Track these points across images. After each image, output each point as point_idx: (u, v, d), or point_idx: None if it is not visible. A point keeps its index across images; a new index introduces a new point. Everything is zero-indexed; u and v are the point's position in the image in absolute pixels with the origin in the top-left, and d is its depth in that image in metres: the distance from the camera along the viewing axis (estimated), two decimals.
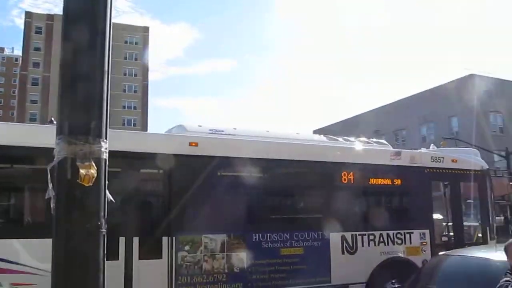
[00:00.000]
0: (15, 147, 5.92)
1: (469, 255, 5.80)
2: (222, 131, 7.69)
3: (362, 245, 7.70)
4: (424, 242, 8.21)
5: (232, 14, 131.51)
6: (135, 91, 71.74)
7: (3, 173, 6.36)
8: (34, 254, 5.84)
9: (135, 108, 71.14)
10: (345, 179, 7.81)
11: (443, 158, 8.72)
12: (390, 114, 41.66)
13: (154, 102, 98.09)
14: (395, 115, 41.28)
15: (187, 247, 6.67)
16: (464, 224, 8.81)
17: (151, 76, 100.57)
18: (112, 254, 6.28)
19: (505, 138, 34.81)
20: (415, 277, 6.17)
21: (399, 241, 7.96)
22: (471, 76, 35.86)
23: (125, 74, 70.87)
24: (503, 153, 28.08)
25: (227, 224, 6.96)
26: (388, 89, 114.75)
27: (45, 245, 5.70)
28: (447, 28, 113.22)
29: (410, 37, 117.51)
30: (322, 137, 8.62)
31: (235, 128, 7.97)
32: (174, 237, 6.59)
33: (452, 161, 8.78)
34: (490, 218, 8.84)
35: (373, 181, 8.09)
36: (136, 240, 6.44)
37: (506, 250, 4.05)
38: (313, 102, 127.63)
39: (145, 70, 73.15)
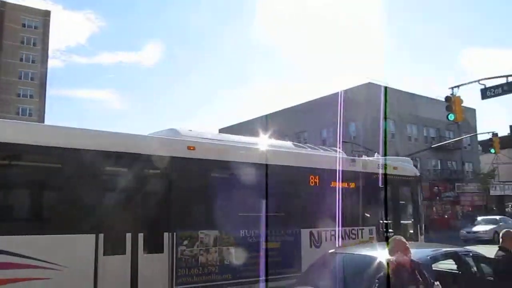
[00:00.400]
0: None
1: (355, 252, 6.41)
2: (208, 137, 8.53)
3: (325, 240, 9.04)
4: (372, 236, 9.81)
5: (139, 5, 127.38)
6: (32, 79, 66.72)
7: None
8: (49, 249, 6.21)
9: (31, 96, 66.11)
10: (312, 182, 9.09)
11: (387, 165, 10.42)
12: (294, 116, 44.35)
13: (53, 91, 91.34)
14: (298, 117, 43.97)
15: (185, 242, 7.40)
16: (401, 222, 10.63)
17: (51, 64, 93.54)
18: (120, 249, 6.84)
19: (396, 142, 38.99)
20: (305, 273, 6.71)
21: (354, 236, 9.45)
22: (369, 84, 39.01)
23: (21, 60, 65.52)
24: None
25: (219, 221, 7.80)
26: (296, 91, 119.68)
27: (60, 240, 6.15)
28: (351, 36, 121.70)
29: (317, 43, 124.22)
30: (291, 144, 9.80)
31: (219, 134, 8.84)
32: (174, 233, 7.29)
33: (394, 168, 10.54)
34: (420, 217, 10.77)
35: (334, 184, 9.47)
36: (141, 236, 7.04)
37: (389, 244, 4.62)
38: (219, 101, 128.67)
39: (44, 56, 68.49)
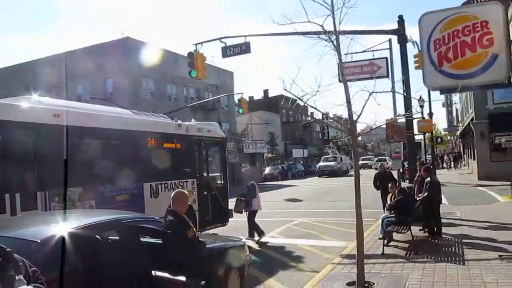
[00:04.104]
0: None
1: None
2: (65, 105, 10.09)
3: (161, 191, 11.69)
4: (193, 187, 12.89)
5: None
6: None
7: None
8: None
9: None
10: (150, 143, 11.57)
11: (203, 129, 13.60)
12: (44, 69, 42.90)
13: None
14: (49, 71, 42.78)
15: (56, 199, 9.03)
16: (214, 174, 14.08)
17: None
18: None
19: (155, 101, 42.30)
20: None
21: (181, 187, 12.29)
22: (127, 39, 40.71)
23: None
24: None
25: (83, 179, 9.60)
26: (42, 42, 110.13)
27: None
28: None
29: None
30: (129, 111, 11.98)
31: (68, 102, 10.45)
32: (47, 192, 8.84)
33: (208, 131, 13.79)
34: (226, 170, 14.43)
35: (165, 145, 12.16)
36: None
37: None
38: None
39: None
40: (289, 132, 79.05)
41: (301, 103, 8.01)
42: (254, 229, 12.83)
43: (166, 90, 46.14)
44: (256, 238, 12.69)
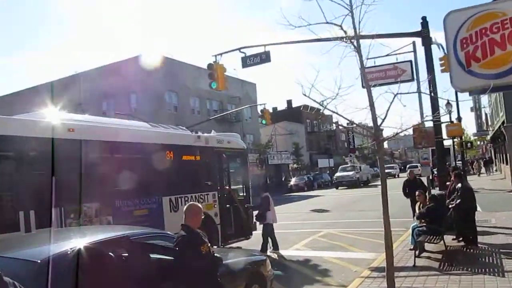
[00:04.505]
0: None
1: None
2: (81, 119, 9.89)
3: (181, 204, 11.32)
4: (214, 200, 12.52)
5: None
6: None
7: None
8: None
9: None
10: (168, 156, 11.27)
11: (223, 140, 13.25)
12: (70, 87, 43.55)
13: None
14: (75, 89, 43.38)
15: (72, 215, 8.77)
16: (236, 187, 13.68)
17: None
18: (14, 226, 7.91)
19: (179, 116, 42.26)
20: None
21: (202, 201, 11.96)
22: (149, 54, 40.63)
23: None
24: None
25: (99, 194, 9.33)
26: (66, 61, 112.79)
27: None
28: (127, 5, 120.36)
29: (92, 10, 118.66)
30: (147, 124, 11.74)
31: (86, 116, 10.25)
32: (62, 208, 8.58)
33: (228, 142, 13.43)
34: (248, 182, 14.01)
35: (184, 157, 11.84)
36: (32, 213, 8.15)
37: None
38: None
39: None
40: (314, 142, 78.29)
41: (321, 108, 7.57)
42: (264, 241, 12.47)
43: (189, 103, 45.95)
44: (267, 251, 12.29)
